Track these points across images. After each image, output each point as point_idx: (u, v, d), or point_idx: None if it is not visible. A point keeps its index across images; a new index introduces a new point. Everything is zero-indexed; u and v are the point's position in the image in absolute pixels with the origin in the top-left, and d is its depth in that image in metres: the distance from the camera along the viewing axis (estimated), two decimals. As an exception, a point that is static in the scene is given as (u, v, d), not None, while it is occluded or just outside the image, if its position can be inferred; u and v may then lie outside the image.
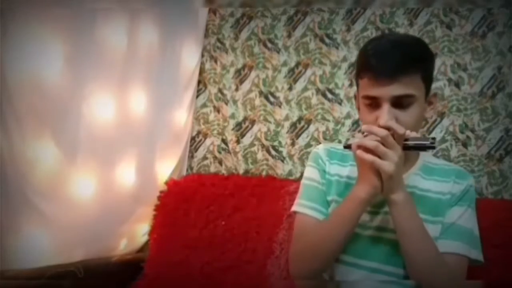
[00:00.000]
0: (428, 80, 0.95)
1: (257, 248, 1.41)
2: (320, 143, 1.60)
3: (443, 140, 1.46)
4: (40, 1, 1.16)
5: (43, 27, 1.18)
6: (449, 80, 1.48)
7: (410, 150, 0.90)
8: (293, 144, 1.66)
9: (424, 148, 0.90)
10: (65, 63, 1.24)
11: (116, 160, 1.47)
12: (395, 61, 0.88)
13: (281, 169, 1.67)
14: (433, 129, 1.47)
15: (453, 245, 0.93)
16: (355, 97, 1.00)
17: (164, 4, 1.59)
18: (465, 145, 1.43)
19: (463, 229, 0.95)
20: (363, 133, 0.90)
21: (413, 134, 0.90)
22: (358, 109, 1.00)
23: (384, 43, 0.93)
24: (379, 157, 0.84)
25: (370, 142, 0.85)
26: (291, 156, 1.66)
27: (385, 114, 0.88)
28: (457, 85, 1.47)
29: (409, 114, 0.91)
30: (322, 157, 1.08)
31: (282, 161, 1.67)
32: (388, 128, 0.86)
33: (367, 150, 0.85)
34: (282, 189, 1.47)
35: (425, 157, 1.06)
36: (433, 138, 0.89)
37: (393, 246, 0.94)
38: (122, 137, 1.46)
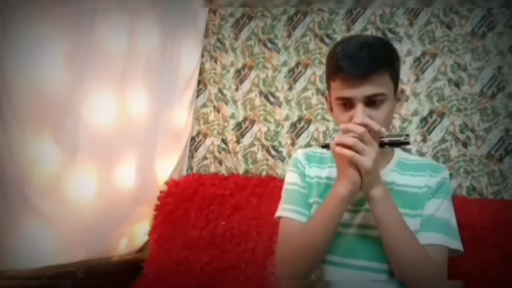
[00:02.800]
0: (395, 78, 0.99)
1: (257, 248, 1.41)
2: (320, 143, 1.60)
3: (443, 140, 1.46)
4: (40, 1, 1.16)
5: (43, 27, 1.18)
6: (449, 80, 1.48)
7: (386, 146, 0.94)
8: (293, 144, 1.66)
9: (399, 144, 0.96)
10: (65, 63, 1.24)
11: (116, 160, 1.47)
12: (365, 62, 0.91)
13: (281, 169, 1.66)
14: (433, 129, 1.47)
15: (433, 236, 0.96)
16: (326, 98, 1.02)
17: (164, 4, 1.59)
18: (465, 145, 1.43)
19: (441, 221, 0.98)
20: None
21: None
22: (331, 110, 1.04)
23: (352, 45, 0.95)
24: (358, 153, 0.88)
25: (348, 139, 0.88)
26: (291, 156, 1.65)
27: (360, 113, 0.92)
28: (457, 85, 1.47)
29: (381, 112, 0.94)
30: (301, 161, 1.11)
31: (282, 161, 1.67)
32: (364, 125, 0.89)
33: (346, 147, 0.88)
34: (282, 189, 1.47)
35: (400, 153, 1.09)
36: (407, 135, 0.94)
37: (376, 243, 0.96)
38: (122, 137, 1.45)
